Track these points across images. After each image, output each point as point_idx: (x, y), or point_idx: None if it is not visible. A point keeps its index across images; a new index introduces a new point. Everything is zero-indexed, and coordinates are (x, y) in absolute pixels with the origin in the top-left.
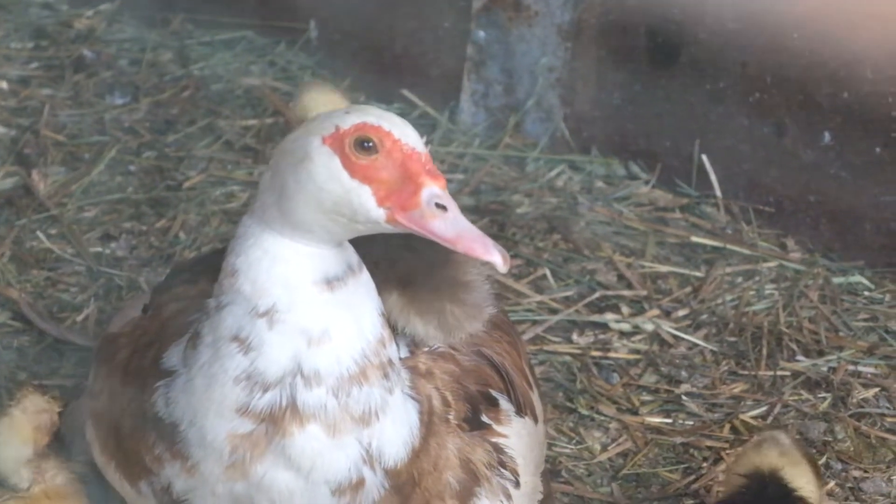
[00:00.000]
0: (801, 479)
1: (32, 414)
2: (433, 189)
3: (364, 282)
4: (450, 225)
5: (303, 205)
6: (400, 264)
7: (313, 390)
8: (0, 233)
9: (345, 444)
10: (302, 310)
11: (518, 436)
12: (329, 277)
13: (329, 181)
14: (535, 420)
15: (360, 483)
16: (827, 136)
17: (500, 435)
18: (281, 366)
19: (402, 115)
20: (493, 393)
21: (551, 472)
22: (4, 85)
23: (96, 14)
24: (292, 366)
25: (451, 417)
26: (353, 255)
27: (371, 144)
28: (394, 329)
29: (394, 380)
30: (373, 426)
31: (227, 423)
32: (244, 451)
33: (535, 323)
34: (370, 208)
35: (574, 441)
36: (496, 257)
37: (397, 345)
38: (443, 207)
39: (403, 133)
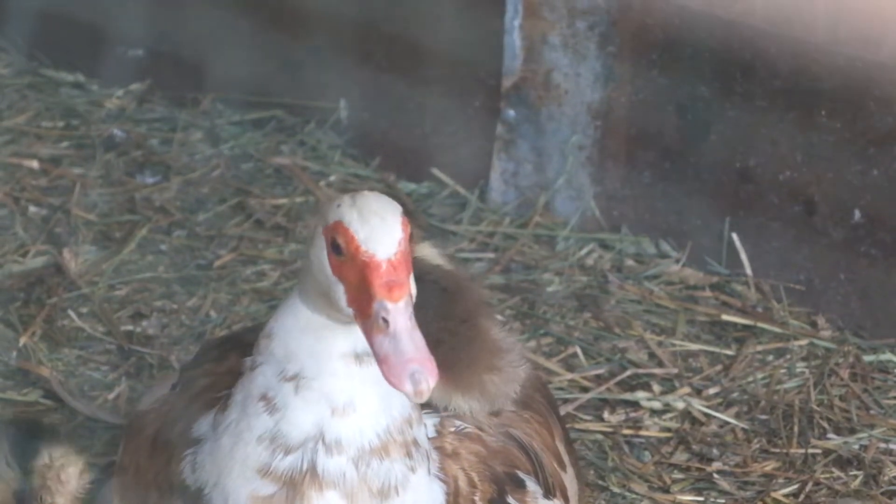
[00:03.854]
0: None
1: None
2: (383, 303)
3: None
4: (385, 344)
5: (310, 285)
6: (441, 348)
7: (334, 457)
8: (31, 311)
9: None
10: (328, 380)
11: None
12: (358, 352)
13: (320, 270)
14: (566, 502)
15: None
16: (857, 213)
17: None
18: (303, 430)
19: (432, 194)
20: (520, 474)
21: None
22: (35, 164)
23: (126, 94)
24: (315, 432)
25: (476, 499)
26: None
27: (340, 246)
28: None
29: (417, 459)
30: (392, 500)
31: (249, 484)
32: None
33: (566, 401)
34: (342, 306)
35: None
36: (407, 389)
37: (425, 424)
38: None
39: (368, 238)
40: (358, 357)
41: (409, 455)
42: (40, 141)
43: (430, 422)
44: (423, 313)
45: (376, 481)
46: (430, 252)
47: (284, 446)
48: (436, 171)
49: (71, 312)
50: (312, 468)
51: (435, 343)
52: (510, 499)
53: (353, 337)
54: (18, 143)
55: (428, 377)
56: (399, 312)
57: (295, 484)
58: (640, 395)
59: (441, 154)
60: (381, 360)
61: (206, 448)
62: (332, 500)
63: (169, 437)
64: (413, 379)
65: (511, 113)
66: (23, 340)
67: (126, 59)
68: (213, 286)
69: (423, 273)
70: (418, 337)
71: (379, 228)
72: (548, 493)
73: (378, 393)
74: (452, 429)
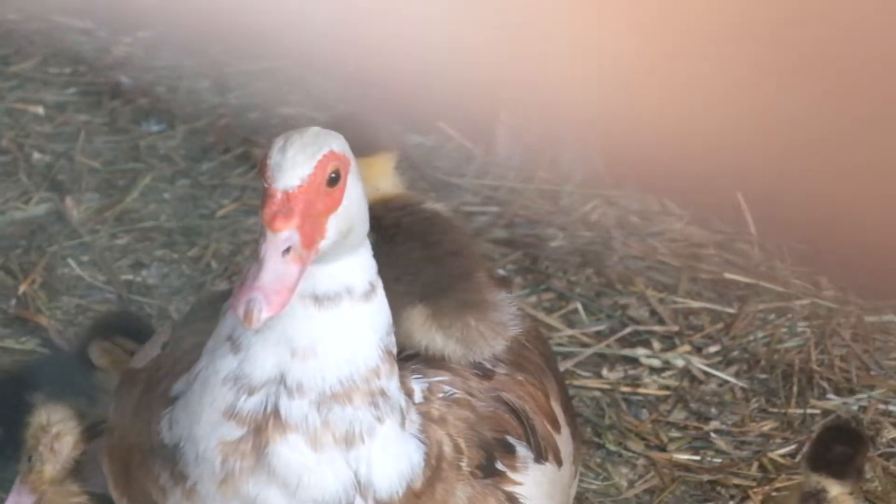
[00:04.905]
0: None
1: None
2: (264, 230)
3: (368, 311)
4: (252, 269)
5: None
6: (423, 276)
7: (295, 400)
8: (32, 259)
9: (331, 460)
10: (286, 320)
11: (536, 484)
12: (318, 295)
13: None
14: (559, 464)
15: None
16: (862, 174)
17: (514, 483)
18: (265, 371)
19: (438, 147)
20: (510, 439)
21: None
22: (41, 110)
23: (134, 41)
24: (275, 374)
25: (463, 465)
26: (357, 282)
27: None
28: (406, 352)
29: (385, 410)
30: (358, 449)
31: (218, 429)
32: (234, 461)
33: (565, 357)
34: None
35: (601, 477)
36: (238, 311)
37: (413, 389)
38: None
39: (275, 166)
40: (317, 299)
41: (374, 405)
42: (46, 87)
43: (419, 387)
44: (408, 240)
45: (340, 427)
46: (438, 207)
47: (248, 387)
48: (442, 125)
49: (71, 261)
50: (276, 411)
51: (418, 271)
52: (499, 465)
53: (313, 279)
54: (24, 89)
55: (263, 308)
56: (271, 242)
57: (260, 427)
58: (640, 351)
59: (448, 107)
60: (239, 282)
61: (181, 404)
62: (297, 445)
63: (151, 398)
64: (248, 305)
65: None
66: (22, 288)
67: (135, 6)
68: (214, 236)
69: (416, 206)
70: (284, 273)
71: (289, 160)
72: (539, 458)
73: (341, 340)
74: (441, 394)
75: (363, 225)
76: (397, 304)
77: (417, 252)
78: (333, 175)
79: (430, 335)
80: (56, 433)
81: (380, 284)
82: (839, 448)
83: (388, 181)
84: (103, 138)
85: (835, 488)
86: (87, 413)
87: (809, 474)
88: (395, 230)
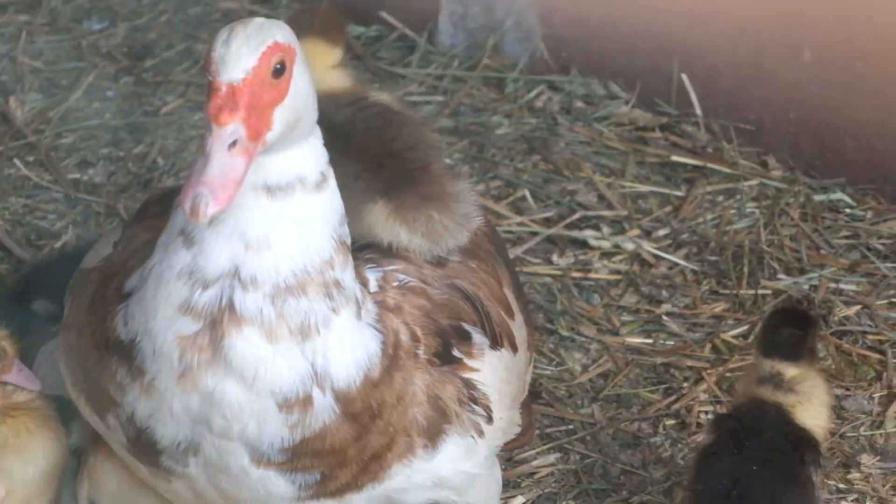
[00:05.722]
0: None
1: None
2: (209, 124)
3: (320, 201)
4: (197, 163)
5: None
6: (382, 173)
7: (249, 294)
8: None
9: (287, 352)
10: (238, 212)
11: (493, 370)
12: (270, 185)
13: None
14: (514, 350)
15: (308, 401)
16: (806, 53)
17: (471, 370)
18: (219, 265)
19: (380, 37)
20: (466, 326)
21: (532, 394)
22: None
23: None
24: (229, 267)
25: (420, 353)
26: (309, 171)
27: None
28: (360, 242)
29: (339, 301)
30: (314, 340)
31: (174, 324)
32: (192, 355)
33: (514, 244)
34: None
35: (555, 363)
36: (185, 206)
37: (367, 279)
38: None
39: (219, 60)
40: (269, 190)
41: (329, 296)
42: None
43: (373, 276)
44: (364, 137)
45: (295, 319)
46: (385, 97)
47: (202, 281)
48: (384, 14)
49: (17, 161)
50: (230, 304)
51: (376, 167)
52: (456, 351)
53: (264, 170)
54: None
55: (210, 202)
56: (217, 136)
57: (215, 321)
58: (588, 233)
59: None
60: (186, 177)
61: (135, 299)
62: (252, 338)
63: (105, 295)
64: (194, 200)
65: None
66: None
67: None
68: (160, 133)
69: (365, 101)
70: (231, 167)
71: (233, 53)
72: (495, 344)
73: (295, 231)
74: (395, 283)
75: (311, 115)
76: (357, 201)
77: (374, 149)
78: (279, 66)
79: (394, 231)
80: None
81: (331, 174)
82: (788, 330)
83: (335, 74)
84: (45, 38)
85: (790, 370)
86: None
87: (762, 360)
88: (350, 127)
